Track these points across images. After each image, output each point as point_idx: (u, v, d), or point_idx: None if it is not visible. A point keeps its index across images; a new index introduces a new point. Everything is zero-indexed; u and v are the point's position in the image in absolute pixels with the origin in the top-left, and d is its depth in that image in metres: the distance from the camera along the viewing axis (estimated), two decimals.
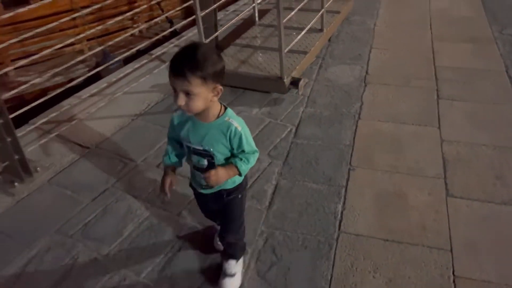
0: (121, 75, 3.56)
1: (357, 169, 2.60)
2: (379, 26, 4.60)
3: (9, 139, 2.39)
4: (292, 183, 2.51)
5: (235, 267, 1.93)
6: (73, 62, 3.12)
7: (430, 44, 4.14)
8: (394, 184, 2.48)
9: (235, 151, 1.61)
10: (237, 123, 1.56)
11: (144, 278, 2.00)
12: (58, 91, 2.97)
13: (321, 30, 4.01)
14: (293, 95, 3.36)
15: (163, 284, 1.97)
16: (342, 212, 2.31)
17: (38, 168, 2.57)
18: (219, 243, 2.05)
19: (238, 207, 1.82)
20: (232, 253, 1.93)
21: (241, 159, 1.61)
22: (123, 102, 3.30)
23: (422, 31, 4.43)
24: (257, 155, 1.65)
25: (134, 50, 3.78)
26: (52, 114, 2.96)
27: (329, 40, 4.26)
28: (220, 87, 1.49)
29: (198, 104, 1.45)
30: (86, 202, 2.41)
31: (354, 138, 2.87)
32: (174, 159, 1.74)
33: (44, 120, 2.89)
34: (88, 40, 4.62)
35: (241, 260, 1.98)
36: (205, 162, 1.62)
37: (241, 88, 3.46)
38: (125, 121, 3.09)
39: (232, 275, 1.92)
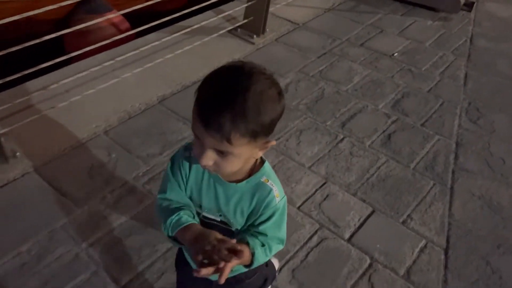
0: None
1: None
2: None
3: None
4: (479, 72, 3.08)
5: None
6: None
7: None
8: None
9: (253, 222, 1.04)
10: (278, 190, 1.02)
11: (382, 108, 2.63)
12: None
13: None
14: (459, 16, 3.82)
15: (396, 114, 2.57)
16: None
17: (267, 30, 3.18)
18: None
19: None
20: None
21: (262, 245, 1.03)
22: None
23: None
24: (281, 247, 1.08)
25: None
26: None
27: None
28: (273, 142, 0.94)
29: (234, 167, 0.93)
30: (313, 58, 3.04)
31: None
32: (187, 214, 1.05)
33: None
34: None
35: None
36: None
37: (410, 4, 3.92)
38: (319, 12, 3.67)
39: None
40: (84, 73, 2.33)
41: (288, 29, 3.33)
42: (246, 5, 3.04)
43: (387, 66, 3.01)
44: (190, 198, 1.06)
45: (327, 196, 2.05)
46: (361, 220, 1.96)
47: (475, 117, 2.66)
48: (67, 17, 3.23)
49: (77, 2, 2.88)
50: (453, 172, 2.26)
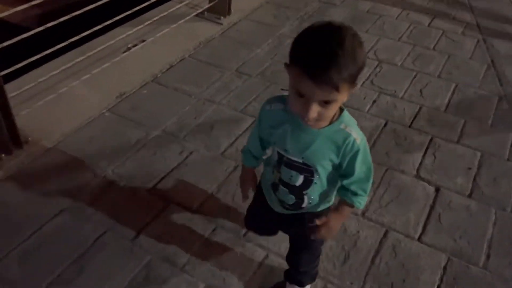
0: None
1: None
2: None
3: None
4: None
5: None
6: None
7: None
8: None
9: (342, 171, 1.19)
10: (357, 134, 1.13)
11: None
12: None
13: None
14: None
15: None
16: None
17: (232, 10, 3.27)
18: None
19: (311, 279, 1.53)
20: (300, 279, 1.54)
21: (356, 194, 1.21)
22: None
23: None
24: (371, 181, 1.22)
25: None
26: None
27: None
28: (358, 85, 1.06)
29: (332, 113, 1.06)
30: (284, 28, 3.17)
31: None
32: (253, 162, 1.39)
33: None
34: None
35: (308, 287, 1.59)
36: (300, 179, 1.21)
37: None
38: None
39: None
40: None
41: (253, 8, 3.42)
42: None
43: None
44: (274, 143, 1.22)
45: None
46: None
47: None
48: None
49: None
50: None
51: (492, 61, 2.99)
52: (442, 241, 1.80)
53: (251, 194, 1.48)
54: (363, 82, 2.68)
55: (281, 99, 1.17)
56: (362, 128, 1.17)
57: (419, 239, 1.81)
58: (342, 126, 1.12)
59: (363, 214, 1.88)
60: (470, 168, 2.14)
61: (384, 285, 1.64)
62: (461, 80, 2.78)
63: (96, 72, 2.41)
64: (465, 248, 1.78)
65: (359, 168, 1.16)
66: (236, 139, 2.21)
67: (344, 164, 1.16)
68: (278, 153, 1.21)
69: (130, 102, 2.40)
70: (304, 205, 1.27)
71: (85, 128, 2.21)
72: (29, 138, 2.06)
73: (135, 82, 2.53)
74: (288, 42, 2.88)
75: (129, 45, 2.77)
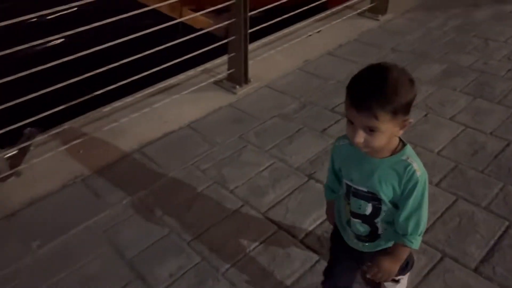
0: None
1: None
2: None
3: None
4: None
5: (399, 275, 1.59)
6: None
7: None
8: None
9: (400, 202, 1.27)
10: (418, 166, 1.22)
11: None
12: None
13: None
14: None
15: None
16: None
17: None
18: None
19: (403, 270, 1.53)
20: None
21: (406, 234, 1.27)
22: None
23: None
24: (424, 219, 1.27)
25: None
26: None
27: None
28: (410, 120, 1.18)
29: (380, 142, 1.17)
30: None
31: None
32: (332, 195, 1.51)
33: None
34: None
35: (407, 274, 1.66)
36: (369, 208, 1.30)
37: None
38: None
39: (396, 281, 1.62)
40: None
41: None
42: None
43: None
44: (342, 174, 1.35)
45: None
46: None
47: None
48: None
49: None
50: None
51: None
52: None
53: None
54: None
55: (347, 136, 1.25)
56: None
57: None
58: (404, 158, 1.22)
59: None
60: None
61: None
62: None
63: (288, 45, 3.52)
64: None
65: (414, 202, 1.23)
66: None
67: (405, 193, 1.23)
68: (346, 184, 1.33)
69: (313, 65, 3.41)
70: (380, 232, 1.35)
71: (283, 77, 3.27)
72: (251, 78, 3.19)
73: (316, 53, 3.56)
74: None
75: (309, 33, 3.83)
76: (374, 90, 1.10)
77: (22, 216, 2.17)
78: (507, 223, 1.96)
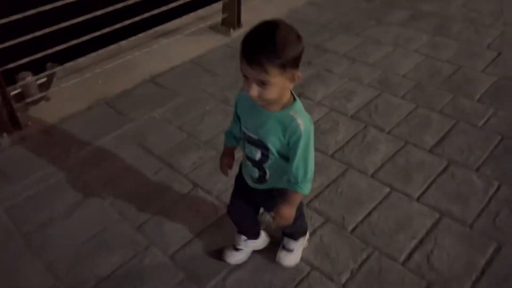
0: None
1: None
2: None
3: None
4: None
5: (294, 244, 1.81)
6: None
7: None
8: None
9: (288, 154, 1.39)
10: (302, 121, 1.32)
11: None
12: None
13: None
14: None
15: None
16: None
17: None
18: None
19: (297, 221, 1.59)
20: (290, 233, 1.81)
21: (297, 181, 1.40)
22: None
23: None
24: (311, 167, 1.39)
25: None
26: None
27: None
28: (299, 73, 1.26)
29: (273, 94, 1.25)
30: None
31: None
32: (232, 141, 1.62)
33: None
34: None
35: (302, 239, 1.83)
36: (258, 154, 1.44)
37: None
38: None
39: (291, 250, 1.81)
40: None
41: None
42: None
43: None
44: (240, 120, 1.48)
45: None
46: None
47: None
48: None
49: None
50: None
51: None
52: None
53: (230, 174, 1.69)
54: None
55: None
56: None
57: None
58: (291, 113, 1.32)
59: None
60: None
61: None
62: None
63: None
64: None
65: (300, 153, 1.34)
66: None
67: (290, 145, 1.35)
68: (243, 131, 1.45)
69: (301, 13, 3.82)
70: (267, 177, 1.48)
71: None
72: (243, 23, 3.59)
73: (300, 2, 3.98)
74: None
75: None
76: (263, 46, 1.18)
77: (58, 130, 2.58)
78: (455, 121, 2.54)
